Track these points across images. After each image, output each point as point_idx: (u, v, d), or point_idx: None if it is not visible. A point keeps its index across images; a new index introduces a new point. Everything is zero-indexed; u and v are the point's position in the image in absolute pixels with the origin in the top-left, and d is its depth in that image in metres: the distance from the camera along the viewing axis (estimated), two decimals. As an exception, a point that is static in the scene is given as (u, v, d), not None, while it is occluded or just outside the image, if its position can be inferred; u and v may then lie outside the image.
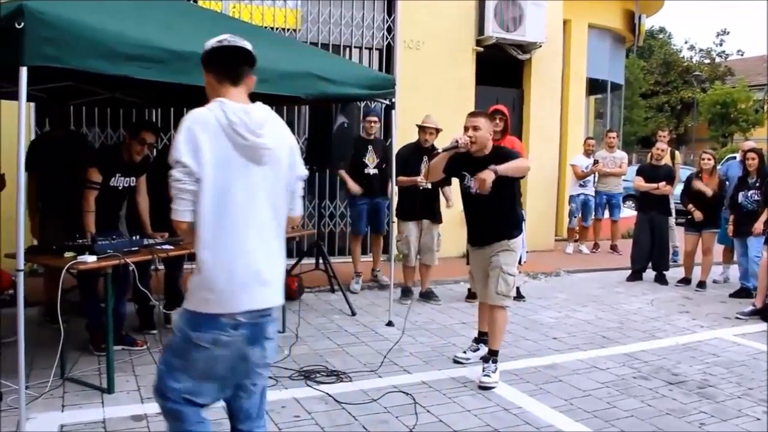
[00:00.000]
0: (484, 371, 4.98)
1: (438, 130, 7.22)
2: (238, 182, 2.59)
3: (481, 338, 5.52)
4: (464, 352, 5.55)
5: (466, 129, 4.86)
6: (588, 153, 11.00)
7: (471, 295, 7.65)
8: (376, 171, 7.72)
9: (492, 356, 5.06)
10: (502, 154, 4.92)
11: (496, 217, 5.01)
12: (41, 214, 5.97)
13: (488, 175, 4.61)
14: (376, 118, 7.79)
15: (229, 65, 2.71)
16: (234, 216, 2.59)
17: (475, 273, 5.39)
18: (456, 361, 5.45)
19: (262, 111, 2.70)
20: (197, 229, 2.57)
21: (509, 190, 5.00)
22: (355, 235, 8.09)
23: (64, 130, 6.23)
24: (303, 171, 2.86)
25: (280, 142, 2.74)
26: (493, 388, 4.87)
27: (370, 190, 7.73)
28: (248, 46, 2.71)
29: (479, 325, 5.59)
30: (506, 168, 4.72)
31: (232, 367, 2.71)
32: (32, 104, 7.19)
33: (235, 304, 2.61)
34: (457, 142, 4.80)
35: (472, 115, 4.97)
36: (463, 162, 4.95)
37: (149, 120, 5.71)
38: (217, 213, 2.56)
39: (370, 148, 7.74)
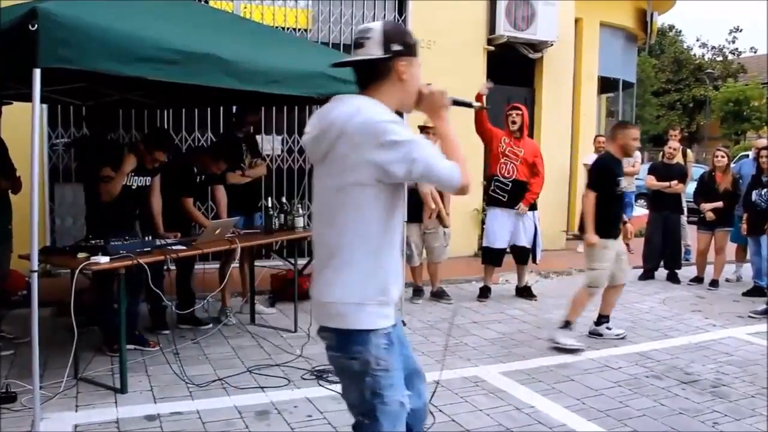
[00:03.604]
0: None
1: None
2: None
3: (601, 321, 6.27)
4: (609, 329, 6.29)
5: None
6: (599, 150, 10.95)
7: (483, 294, 7.66)
8: None
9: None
10: None
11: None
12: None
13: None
14: None
15: None
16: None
17: (612, 262, 5.95)
18: (594, 334, 6.27)
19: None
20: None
21: None
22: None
23: (107, 136, 6.31)
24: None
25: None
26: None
27: None
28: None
29: (603, 308, 6.28)
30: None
31: None
32: (45, 106, 7.24)
33: None
34: None
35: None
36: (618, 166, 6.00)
37: (165, 137, 5.75)
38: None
39: None
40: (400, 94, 2.43)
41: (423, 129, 7.09)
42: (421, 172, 2.30)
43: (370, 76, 2.41)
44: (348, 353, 2.39)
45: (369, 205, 2.32)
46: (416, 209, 6.70)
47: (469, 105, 2.72)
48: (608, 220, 5.91)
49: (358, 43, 2.40)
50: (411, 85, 2.45)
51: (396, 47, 2.38)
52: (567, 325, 5.91)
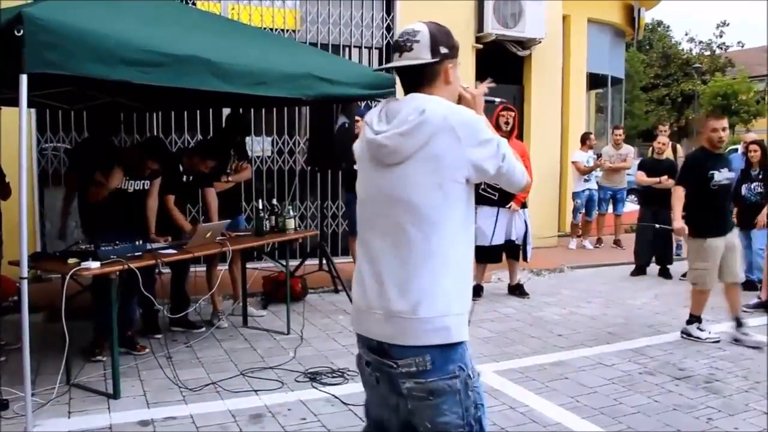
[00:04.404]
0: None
1: None
2: None
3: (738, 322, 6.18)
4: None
5: None
6: (590, 147, 10.99)
7: (475, 293, 7.65)
8: None
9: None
10: None
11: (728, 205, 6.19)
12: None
13: None
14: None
15: None
16: None
17: (717, 261, 5.92)
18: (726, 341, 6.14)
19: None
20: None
21: None
22: (353, 236, 8.08)
23: (106, 139, 6.37)
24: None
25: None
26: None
27: None
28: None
29: (731, 310, 6.22)
30: None
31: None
32: (33, 110, 7.20)
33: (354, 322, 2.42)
34: None
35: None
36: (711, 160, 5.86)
37: (155, 146, 5.74)
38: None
39: None
40: (446, 96, 2.31)
41: None
42: (506, 170, 2.25)
43: (419, 80, 2.31)
44: (448, 372, 2.18)
45: (463, 202, 2.22)
46: None
47: (492, 102, 2.71)
48: (706, 216, 5.93)
49: (406, 46, 2.31)
50: (455, 88, 2.38)
51: (444, 50, 2.31)
52: (693, 319, 6.19)
